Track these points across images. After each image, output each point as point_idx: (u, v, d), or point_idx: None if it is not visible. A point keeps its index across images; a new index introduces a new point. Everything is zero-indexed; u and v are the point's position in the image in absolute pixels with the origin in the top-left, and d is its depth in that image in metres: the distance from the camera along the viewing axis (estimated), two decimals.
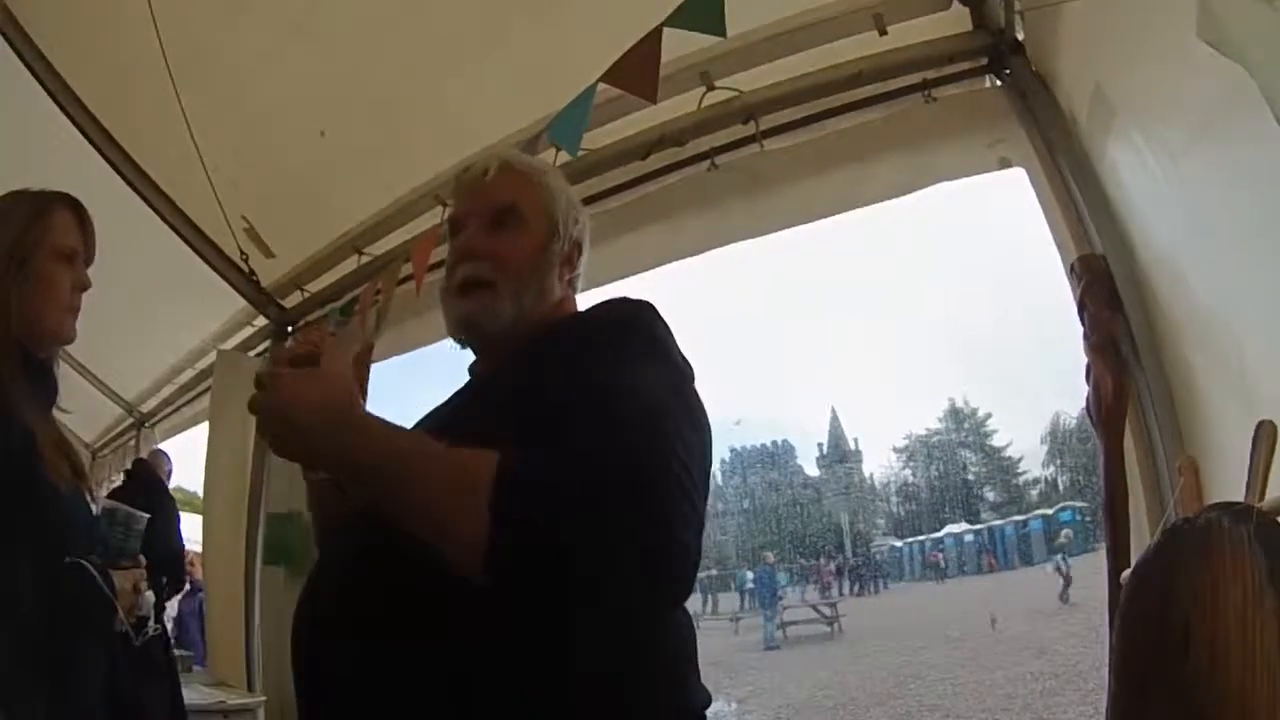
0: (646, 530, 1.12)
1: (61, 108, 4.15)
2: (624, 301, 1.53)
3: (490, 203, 1.58)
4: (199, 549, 6.93)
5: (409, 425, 1.42)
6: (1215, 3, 1.82)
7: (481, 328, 1.54)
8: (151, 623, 2.02)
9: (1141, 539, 2.74)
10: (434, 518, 1.17)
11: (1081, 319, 2.93)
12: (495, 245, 1.54)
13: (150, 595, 2.00)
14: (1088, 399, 2.90)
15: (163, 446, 7.67)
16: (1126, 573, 1.73)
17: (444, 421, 1.48)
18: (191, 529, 9.01)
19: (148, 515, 2.04)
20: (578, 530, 1.10)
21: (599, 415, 1.21)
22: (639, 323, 1.48)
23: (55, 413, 2.07)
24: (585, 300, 1.68)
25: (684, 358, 1.46)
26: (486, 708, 1.19)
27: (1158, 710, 1.54)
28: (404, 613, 1.22)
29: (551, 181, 1.61)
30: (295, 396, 1.22)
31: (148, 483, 1.92)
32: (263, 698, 4.72)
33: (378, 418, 1.25)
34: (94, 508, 2.01)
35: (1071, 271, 3.01)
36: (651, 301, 1.52)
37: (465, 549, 1.12)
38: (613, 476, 1.13)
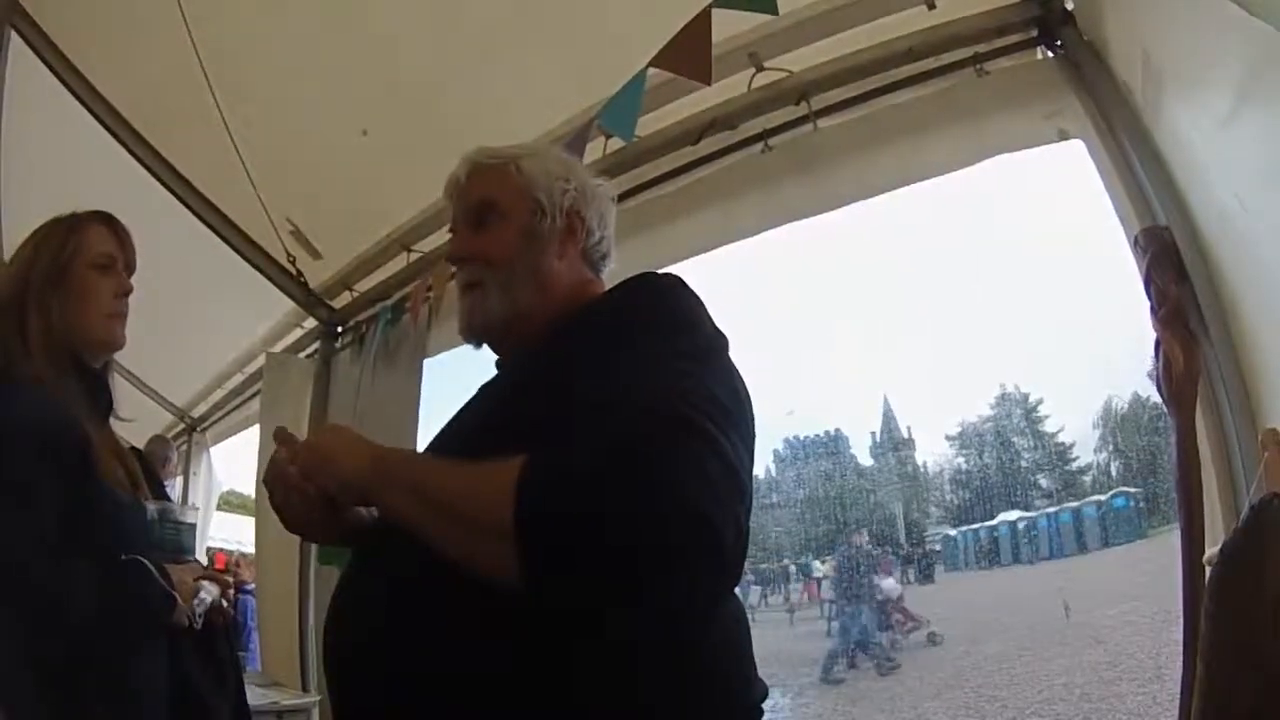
0: (673, 517, 1.05)
1: (97, 118, 4.20)
2: (644, 281, 1.48)
3: (468, 204, 1.60)
4: (250, 551, 7.02)
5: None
6: None
7: (477, 328, 1.57)
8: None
9: (1214, 516, 2.68)
10: (462, 530, 1.17)
11: (1148, 292, 2.85)
12: (479, 244, 1.55)
13: (213, 589, 1.99)
14: (1157, 375, 2.82)
15: (214, 450, 7.79)
16: (1212, 550, 1.68)
17: (463, 424, 1.48)
18: (244, 531, 9.12)
19: (198, 508, 2.04)
20: (607, 525, 1.05)
21: (620, 406, 1.16)
22: (663, 301, 1.43)
23: (116, 421, 2.12)
24: None
25: (715, 328, 1.41)
26: (526, 712, 1.15)
27: (1246, 690, 1.50)
28: (435, 614, 1.20)
29: (526, 164, 1.58)
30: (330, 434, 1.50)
31: (146, 474, 1.94)
32: (317, 697, 4.73)
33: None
34: (150, 511, 2.02)
35: (1135, 244, 2.93)
36: (678, 274, 1.48)
37: (498, 557, 1.09)
38: (635, 468, 1.07)
